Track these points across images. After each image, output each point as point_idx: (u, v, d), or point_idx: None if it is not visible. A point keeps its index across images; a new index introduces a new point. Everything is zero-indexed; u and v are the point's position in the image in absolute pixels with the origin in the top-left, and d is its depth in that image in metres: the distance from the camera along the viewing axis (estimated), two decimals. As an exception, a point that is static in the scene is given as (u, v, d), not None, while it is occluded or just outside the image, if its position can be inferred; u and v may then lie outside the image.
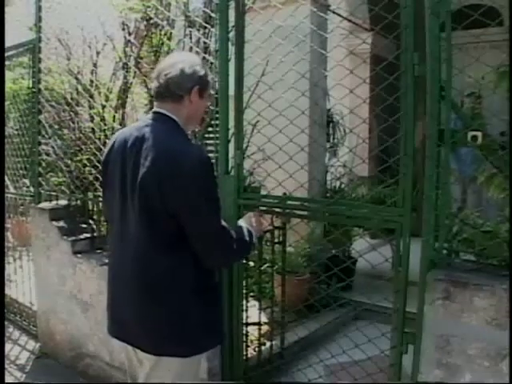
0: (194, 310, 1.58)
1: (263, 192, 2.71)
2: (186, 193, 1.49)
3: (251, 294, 2.67)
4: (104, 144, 2.86)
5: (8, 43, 3.48)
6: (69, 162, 3.22)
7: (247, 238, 1.71)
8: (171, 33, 2.80)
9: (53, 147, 3.36)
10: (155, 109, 1.65)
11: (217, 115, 2.29)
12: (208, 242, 1.56)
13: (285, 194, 2.27)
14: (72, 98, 3.17)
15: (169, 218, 1.51)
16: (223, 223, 1.59)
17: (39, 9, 3.29)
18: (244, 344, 2.43)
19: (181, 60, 1.63)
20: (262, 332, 2.73)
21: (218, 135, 2.28)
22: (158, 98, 1.64)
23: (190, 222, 1.52)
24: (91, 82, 3.06)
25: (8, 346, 3.44)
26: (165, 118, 1.61)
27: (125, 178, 1.59)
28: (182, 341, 1.57)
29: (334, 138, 4.79)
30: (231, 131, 2.25)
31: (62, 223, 3.17)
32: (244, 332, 2.41)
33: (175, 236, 1.54)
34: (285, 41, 2.38)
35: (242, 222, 1.85)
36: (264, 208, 2.23)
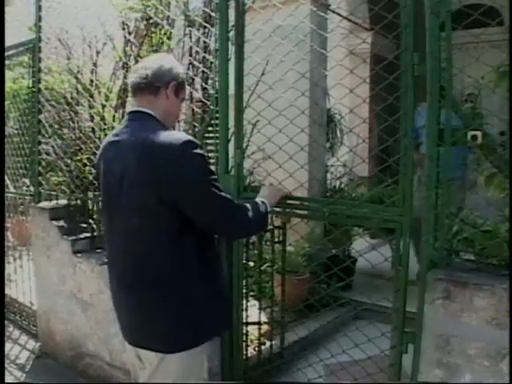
0: (198, 300, 1.59)
1: (263, 191, 2.70)
2: (181, 179, 1.50)
3: (251, 293, 2.67)
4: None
5: (8, 43, 3.48)
6: (69, 161, 3.22)
7: (261, 209, 1.72)
8: (171, 32, 2.79)
9: (53, 147, 3.36)
10: (132, 108, 1.68)
11: (217, 115, 2.29)
12: (216, 216, 1.58)
13: (285, 193, 2.27)
14: (72, 98, 3.17)
15: (167, 213, 1.52)
16: (225, 195, 1.59)
17: (39, 8, 3.29)
18: (244, 343, 2.43)
19: (160, 58, 1.73)
20: (262, 331, 2.74)
21: (217, 135, 2.29)
22: (136, 91, 1.66)
23: (193, 206, 1.53)
24: (91, 81, 3.05)
25: (8, 346, 3.44)
26: (142, 115, 1.63)
27: (112, 185, 1.60)
28: (188, 330, 1.57)
29: (333, 138, 4.79)
30: (231, 131, 2.25)
31: (61, 223, 3.17)
32: (244, 331, 2.41)
33: (174, 231, 1.54)
34: (285, 40, 2.38)
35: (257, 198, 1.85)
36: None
